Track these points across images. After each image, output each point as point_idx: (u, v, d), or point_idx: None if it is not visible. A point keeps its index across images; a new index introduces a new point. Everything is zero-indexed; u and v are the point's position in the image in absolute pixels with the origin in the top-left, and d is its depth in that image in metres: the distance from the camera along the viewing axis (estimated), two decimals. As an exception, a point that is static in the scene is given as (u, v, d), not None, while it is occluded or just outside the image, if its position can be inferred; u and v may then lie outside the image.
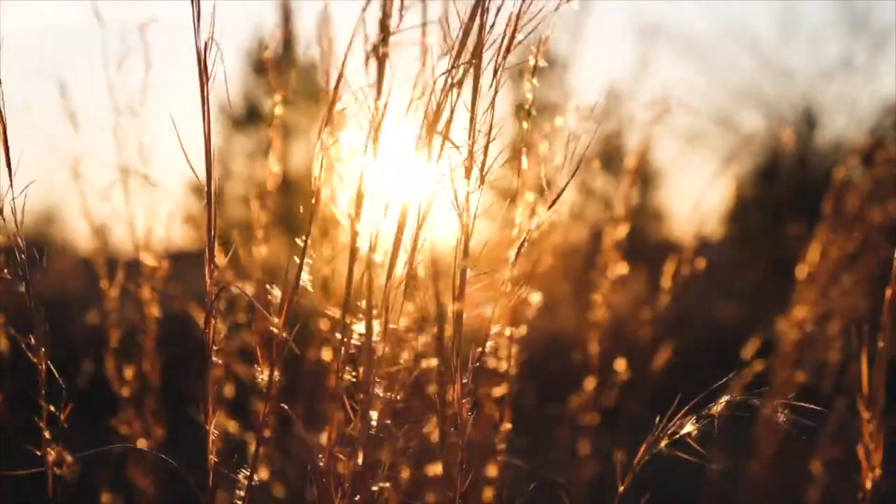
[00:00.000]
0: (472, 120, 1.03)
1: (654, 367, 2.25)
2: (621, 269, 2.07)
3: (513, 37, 1.04)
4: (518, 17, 1.03)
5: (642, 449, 1.02)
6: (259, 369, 1.04)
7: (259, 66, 12.87)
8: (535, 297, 1.59)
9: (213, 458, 1.05)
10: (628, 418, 2.21)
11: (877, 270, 2.34)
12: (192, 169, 1.01)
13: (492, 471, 1.50)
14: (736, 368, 2.44)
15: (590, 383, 2.11)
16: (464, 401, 1.04)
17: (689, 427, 0.99)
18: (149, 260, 1.85)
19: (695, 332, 2.39)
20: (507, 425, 1.43)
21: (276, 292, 1.02)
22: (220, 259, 1.05)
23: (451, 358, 1.04)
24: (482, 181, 1.04)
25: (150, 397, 1.91)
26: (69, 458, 1.11)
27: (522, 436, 1.55)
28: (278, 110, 1.73)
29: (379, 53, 1.03)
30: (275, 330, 1.02)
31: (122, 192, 1.89)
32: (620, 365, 2.11)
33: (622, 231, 2.07)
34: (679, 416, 1.00)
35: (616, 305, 2.48)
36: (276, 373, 1.04)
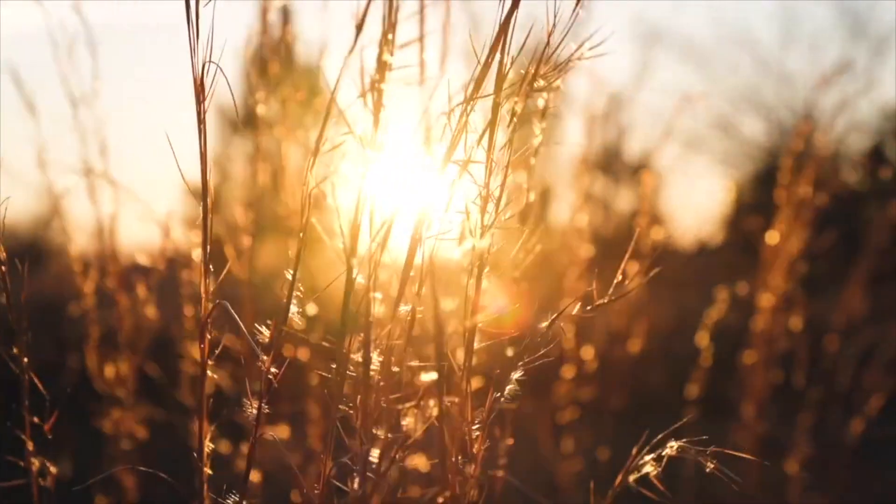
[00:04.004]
0: (488, 157, 0.99)
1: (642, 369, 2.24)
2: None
3: (534, 78, 0.99)
4: (540, 60, 0.99)
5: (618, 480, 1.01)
6: (248, 403, 1.01)
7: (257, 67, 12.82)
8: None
9: (207, 470, 1.03)
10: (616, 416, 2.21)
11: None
12: (184, 178, 0.99)
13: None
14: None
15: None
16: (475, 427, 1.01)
17: (649, 468, 0.98)
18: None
19: (690, 336, 2.40)
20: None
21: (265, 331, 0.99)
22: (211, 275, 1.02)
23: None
24: (497, 215, 1.01)
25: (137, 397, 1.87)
26: (53, 470, 1.09)
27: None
28: (270, 111, 1.71)
29: (375, 89, 0.98)
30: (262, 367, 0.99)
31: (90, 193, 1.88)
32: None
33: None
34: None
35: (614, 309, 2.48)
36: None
